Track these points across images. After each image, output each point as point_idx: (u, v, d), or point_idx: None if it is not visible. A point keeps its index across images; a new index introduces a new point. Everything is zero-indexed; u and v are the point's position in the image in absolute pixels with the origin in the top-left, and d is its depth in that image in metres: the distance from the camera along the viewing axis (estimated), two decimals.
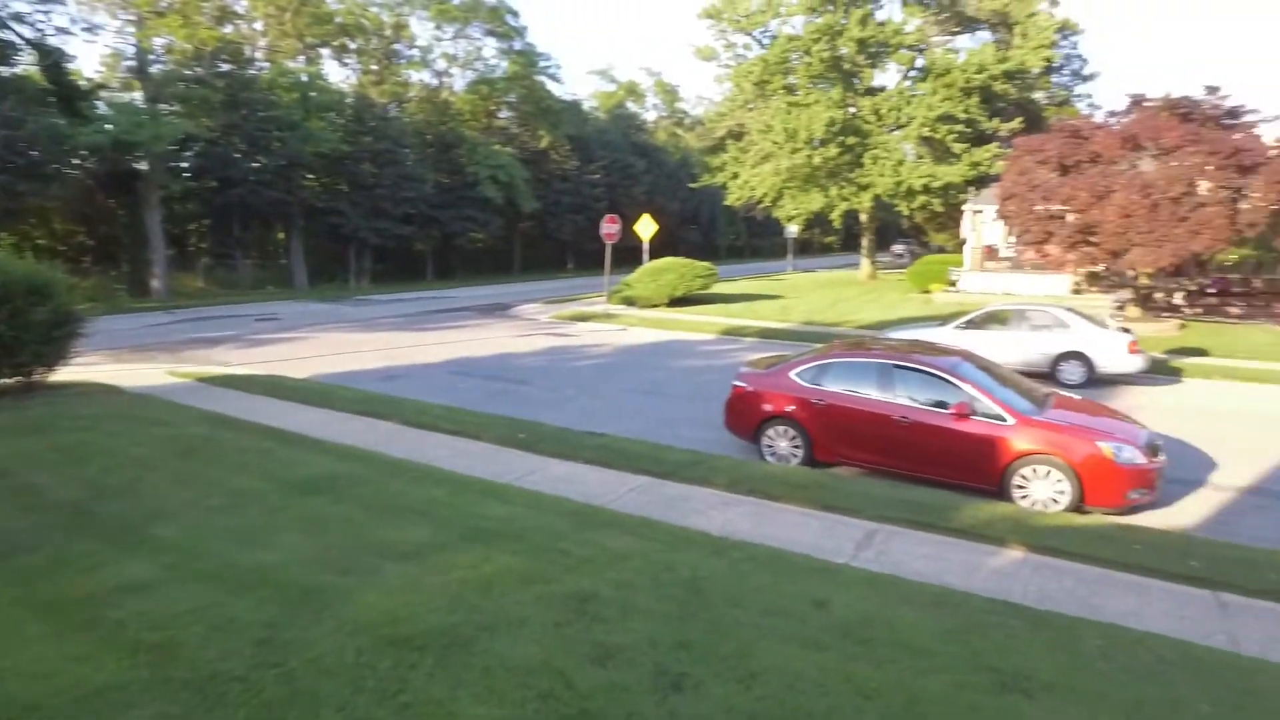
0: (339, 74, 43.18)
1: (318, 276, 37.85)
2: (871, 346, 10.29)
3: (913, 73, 35.22)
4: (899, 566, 6.26)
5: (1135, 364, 14.26)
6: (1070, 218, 21.22)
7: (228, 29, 36.99)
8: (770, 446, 9.63)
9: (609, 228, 25.53)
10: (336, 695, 4.14)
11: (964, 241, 32.79)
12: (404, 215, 39.62)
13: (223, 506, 7.02)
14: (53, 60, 27.73)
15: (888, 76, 37.19)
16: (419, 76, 45.70)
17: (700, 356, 17.93)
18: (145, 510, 6.89)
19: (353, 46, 42.42)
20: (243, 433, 9.73)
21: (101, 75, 34.44)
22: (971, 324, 15.55)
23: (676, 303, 26.15)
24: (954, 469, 8.48)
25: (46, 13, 27.23)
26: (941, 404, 8.52)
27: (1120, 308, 22.32)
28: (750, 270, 49.42)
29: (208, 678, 4.27)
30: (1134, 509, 7.99)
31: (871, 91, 35.08)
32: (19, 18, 26.70)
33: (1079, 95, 45.33)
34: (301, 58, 40.89)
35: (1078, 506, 7.83)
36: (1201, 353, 17.49)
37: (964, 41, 37.36)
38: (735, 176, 36.93)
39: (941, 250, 49.41)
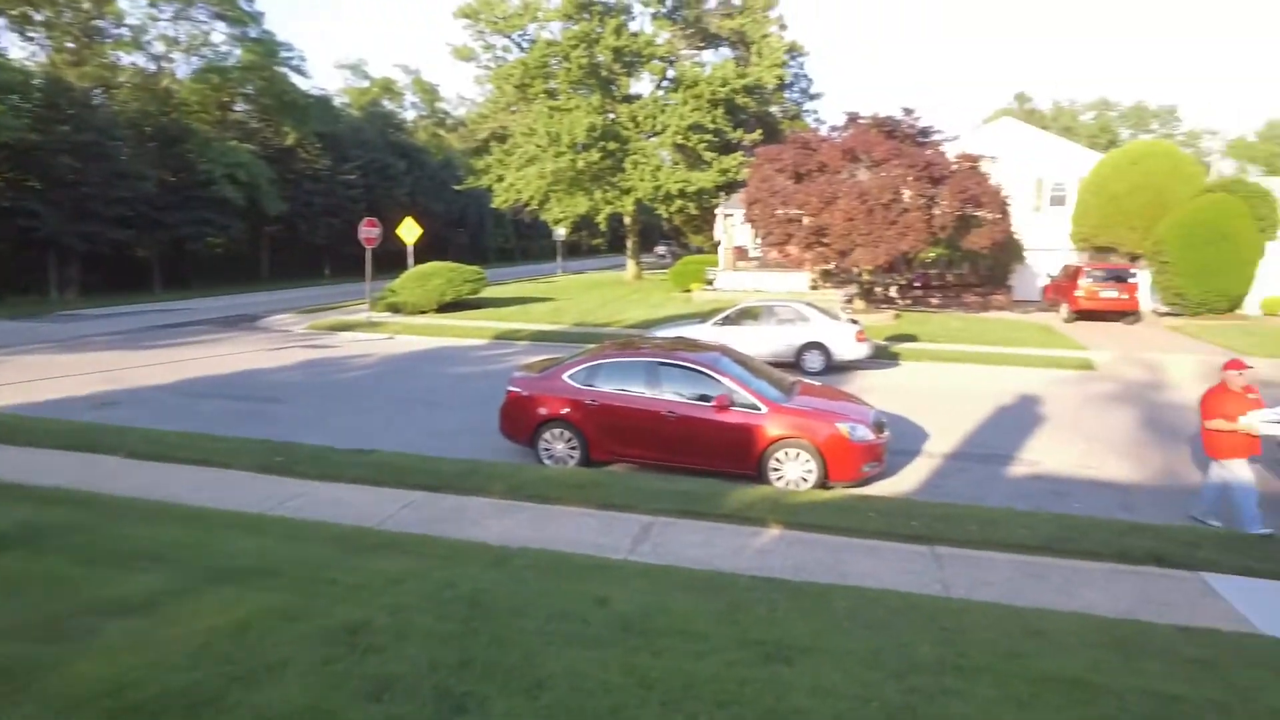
0: (22, 50, 36.53)
1: (5, 289, 31.79)
2: (640, 346, 10.68)
3: (665, 83, 37.24)
4: (674, 556, 6.57)
5: (863, 351, 16.19)
6: (806, 221, 23.65)
7: None
8: (548, 449, 9.67)
9: (368, 231, 24.14)
10: None
11: (718, 243, 35.24)
12: (119, 217, 34.31)
13: None
14: None
15: (644, 86, 38.98)
16: (131, 59, 39.97)
17: (473, 362, 17.57)
18: None
19: (39, 18, 36.04)
20: None
21: None
22: (728, 320, 16.74)
23: (446, 308, 25.41)
24: (718, 458, 9.07)
25: None
26: (705, 397, 9.06)
27: (849, 301, 25.23)
28: (521, 273, 49.39)
29: None
30: (868, 481, 9.07)
31: (629, 99, 36.56)
32: None
33: (808, 111, 50.57)
34: None
35: (823, 483, 8.72)
36: (912, 338, 20.27)
37: (709, 56, 40.21)
38: (501, 179, 36.68)
39: (700, 251, 52.70)
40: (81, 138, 33.03)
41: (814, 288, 27.75)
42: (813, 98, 50.89)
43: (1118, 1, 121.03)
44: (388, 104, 63.06)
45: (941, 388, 14.97)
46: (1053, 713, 4.18)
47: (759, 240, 28.43)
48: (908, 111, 24.46)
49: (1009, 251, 28.75)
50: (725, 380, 9.11)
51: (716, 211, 35.53)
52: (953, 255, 29.84)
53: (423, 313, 25.08)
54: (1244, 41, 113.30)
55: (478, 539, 6.79)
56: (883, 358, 17.72)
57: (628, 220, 39.52)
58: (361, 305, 26.25)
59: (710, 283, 30.76)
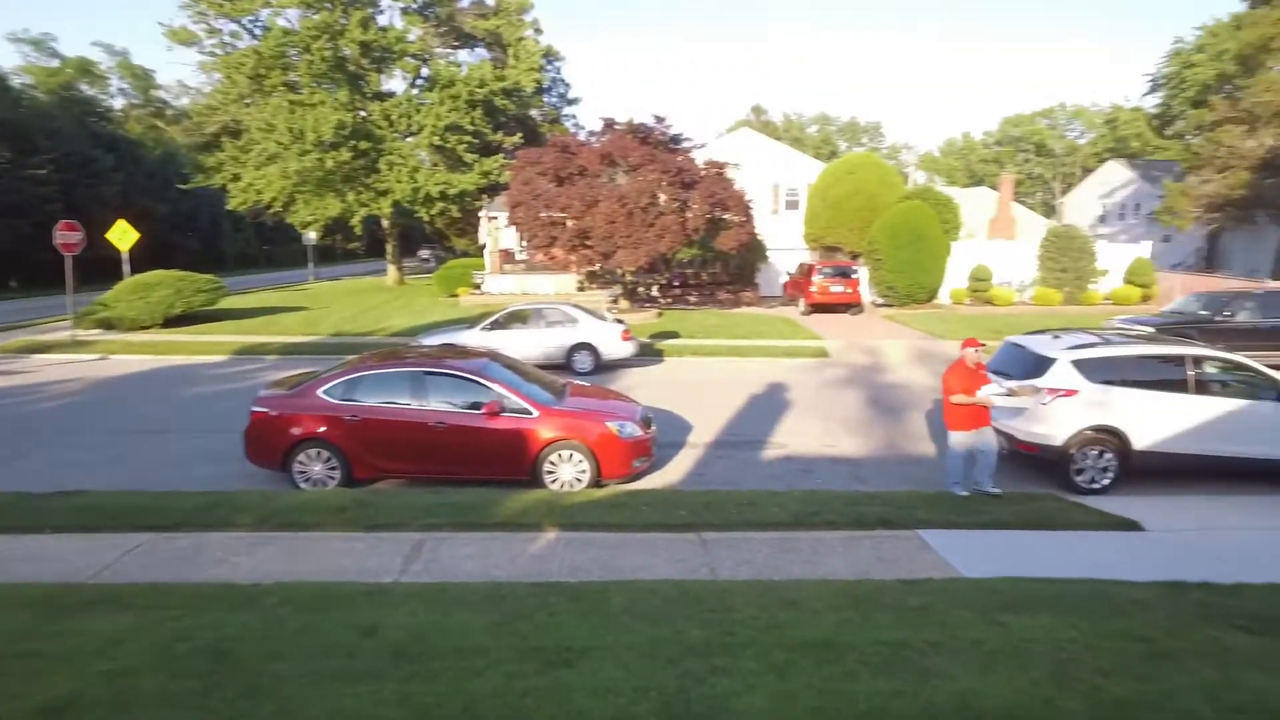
0: None
1: None
2: (404, 355, 10.19)
3: (420, 82, 35.92)
4: (449, 572, 6.34)
5: (628, 349, 16.78)
6: (569, 223, 24.03)
7: None
8: (304, 472, 8.90)
9: (66, 236, 20.60)
10: None
11: (484, 246, 34.71)
12: None
13: None
14: None
15: (397, 84, 37.33)
16: None
17: (211, 382, 15.70)
18: None
19: None
20: None
21: None
22: (496, 324, 16.53)
23: (174, 322, 22.48)
24: (492, 466, 8.91)
25: None
26: (475, 405, 8.85)
27: (615, 301, 26.05)
28: (267, 281, 45.10)
29: None
30: (639, 476, 9.40)
31: (381, 96, 34.77)
32: None
33: (567, 115, 51.54)
34: None
35: (597, 481, 8.89)
36: (674, 335, 21.39)
37: (465, 57, 39.44)
38: (237, 178, 33.21)
39: (466, 254, 51.67)
40: None
41: (581, 289, 28.30)
42: (571, 102, 52.02)
43: (831, 28, 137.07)
44: (87, 88, 54.37)
45: (701, 380, 15.93)
46: (806, 675, 4.59)
47: (525, 243, 28.43)
48: (659, 119, 25.73)
49: (754, 251, 31.34)
50: (495, 386, 8.96)
51: (480, 214, 34.98)
52: (706, 255, 31.93)
53: (144, 328, 21.99)
54: (930, 69, 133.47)
55: (222, 580, 6.07)
56: (648, 355, 18.48)
57: (386, 223, 37.61)
58: (64, 322, 22.44)
59: (478, 287, 30.22)
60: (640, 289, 29.93)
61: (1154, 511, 8.07)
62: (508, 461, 8.87)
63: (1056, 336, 9.90)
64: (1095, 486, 8.87)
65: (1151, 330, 15.14)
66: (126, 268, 23.29)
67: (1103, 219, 49.68)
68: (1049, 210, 70.27)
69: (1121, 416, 8.80)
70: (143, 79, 61.55)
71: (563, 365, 16.14)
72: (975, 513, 7.81)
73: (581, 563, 6.53)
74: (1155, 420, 8.85)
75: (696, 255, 32.01)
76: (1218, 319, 17.08)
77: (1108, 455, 8.89)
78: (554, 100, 50.37)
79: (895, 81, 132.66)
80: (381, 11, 34.43)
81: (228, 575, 6.18)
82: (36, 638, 5.02)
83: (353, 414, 8.84)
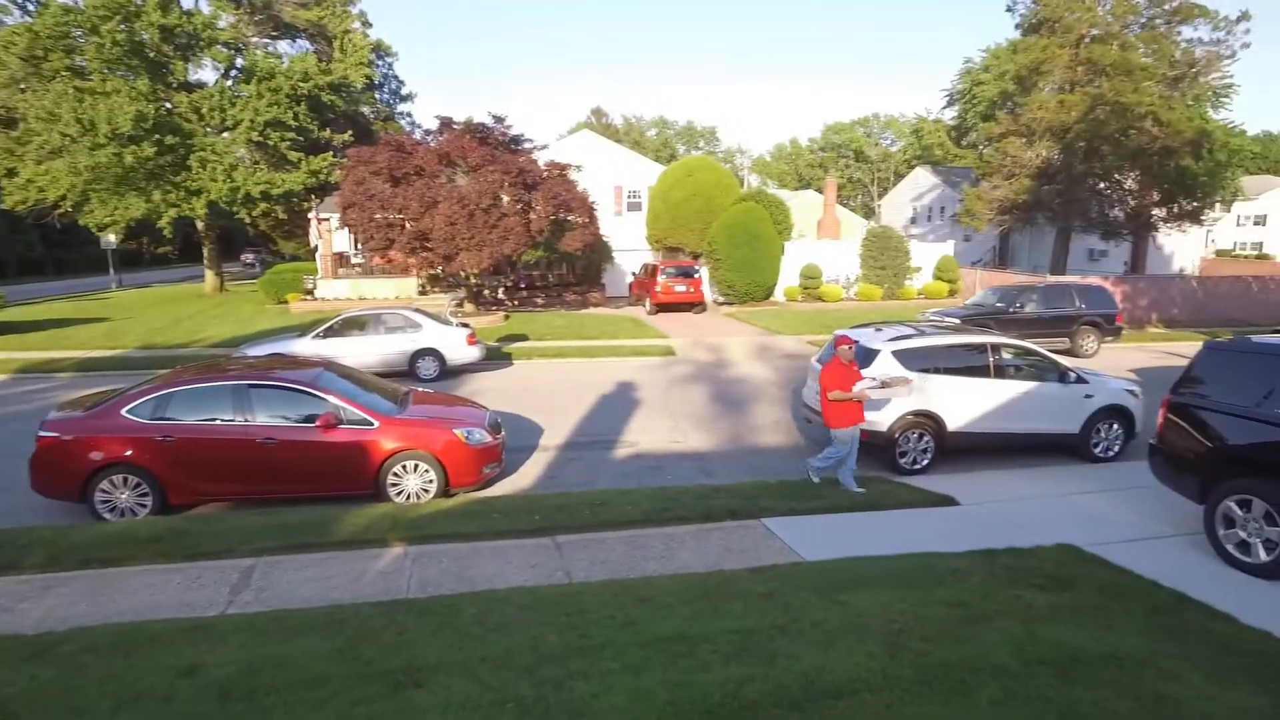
0: None
1: None
2: (226, 367, 9.36)
3: (235, 73, 33.18)
4: (283, 598, 5.89)
5: (475, 354, 16.36)
6: (408, 225, 23.11)
7: None
8: (107, 501, 7.98)
9: None
10: None
11: (315, 249, 32.68)
12: None
13: None
14: None
15: (209, 74, 34.30)
16: None
17: None
18: None
19: None
20: None
21: None
22: (331, 331, 15.60)
23: None
24: (329, 481, 8.38)
25: None
26: (308, 418, 8.29)
27: (459, 305, 25.35)
28: (60, 289, 40.14)
29: None
30: (489, 482, 9.19)
31: (189, 87, 31.79)
32: None
33: (401, 113, 49.65)
34: None
35: (445, 490, 8.59)
36: (523, 338, 21.12)
37: (285, 48, 36.89)
38: (13, 174, 29.18)
39: (295, 258, 48.43)
40: None
41: (424, 293, 27.31)
42: (405, 99, 50.15)
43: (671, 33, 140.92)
44: None
45: (551, 383, 15.82)
46: (662, 670, 4.65)
47: (360, 246, 27.02)
48: (498, 120, 25.28)
49: (599, 252, 31.59)
50: (330, 397, 8.44)
51: (310, 215, 32.89)
52: (551, 257, 31.79)
53: None
54: (762, 79, 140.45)
55: (5, 631, 5.29)
56: (496, 359, 18.13)
57: (201, 225, 34.44)
58: None
59: (310, 292, 28.38)
60: (486, 292, 29.32)
61: (966, 487, 8.90)
62: (347, 476, 8.37)
63: (879, 329, 10.67)
64: (917, 467, 9.65)
65: (957, 321, 16.73)
66: None
67: (914, 220, 54.33)
68: (868, 212, 76.03)
69: (937, 401, 9.63)
70: None
71: (406, 373, 15.50)
72: (814, 498, 8.25)
73: (432, 576, 6.27)
74: (965, 403, 9.75)
75: (542, 257, 31.80)
76: (1011, 310, 19.15)
77: (926, 438, 9.69)
78: (386, 97, 48.34)
79: (728, 87, 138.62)
80: None
81: (12, 625, 5.41)
82: None
83: (165, 434, 8.01)
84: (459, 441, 8.65)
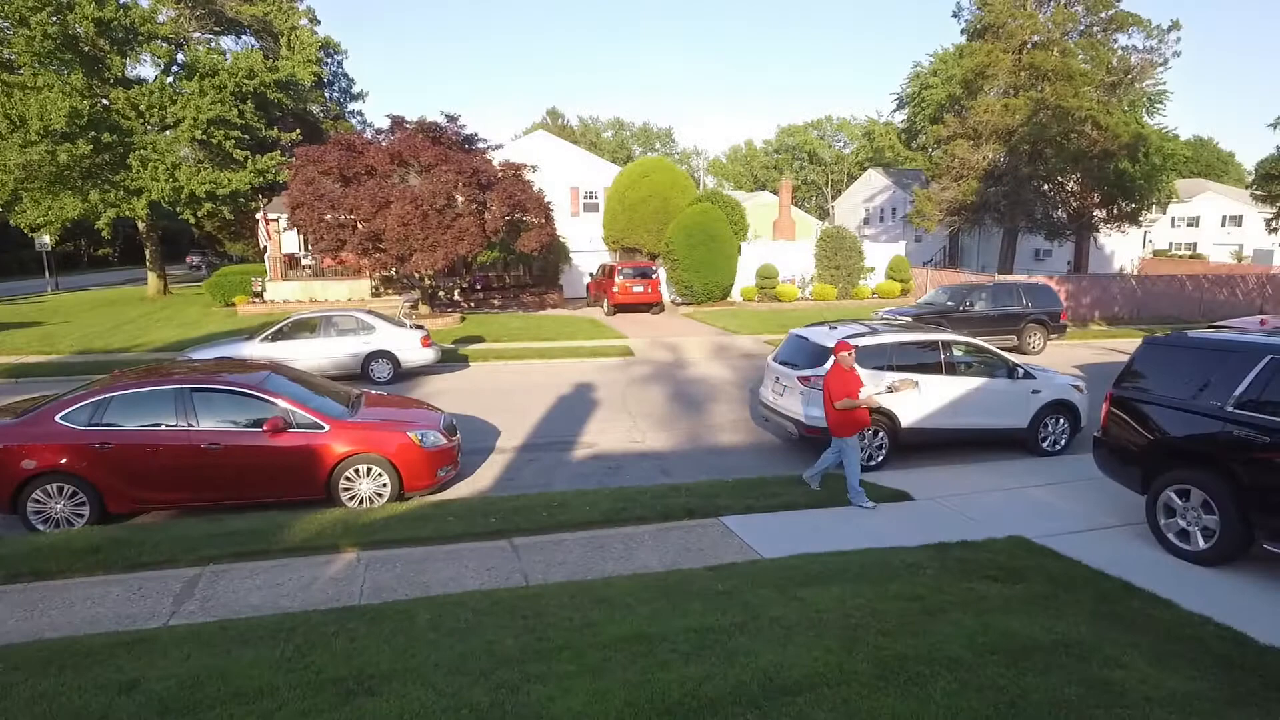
0: None
1: None
2: (169, 371, 9.04)
3: (176, 69, 32.17)
4: (229, 608, 5.69)
5: (429, 356, 16.12)
6: (359, 226, 22.66)
7: None
8: (41, 512, 7.64)
9: None
10: None
11: (264, 250, 31.87)
12: None
13: None
14: None
15: (148, 70, 33.21)
16: None
17: None
18: None
19: None
20: None
21: None
22: (280, 334, 15.21)
23: None
24: (278, 487, 8.15)
25: None
26: (256, 423, 8.05)
27: (414, 306, 24.95)
28: None
29: None
30: (445, 485, 9.04)
31: (127, 83, 30.72)
32: None
33: (352, 112, 48.79)
34: None
35: (400, 494, 8.42)
36: (479, 339, 20.88)
37: (229, 44, 35.96)
38: None
39: (243, 260, 47.23)
40: None
41: (377, 294, 26.83)
42: (356, 98, 49.31)
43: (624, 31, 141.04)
44: None
45: (508, 384, 15.67)
46: (621, 671, 4.60)
47: (310, 247, 26.40)
48: (451, 119, 24.94)
49: (556, 253, 31.41)
50: (279, 401, 8.21)
51: (258, 216, 32.06)
52: (508, 258, 31.52)
53: None
54: (717, 79, 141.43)
55: None
56: (452, 360, 17.89)
57: (143, 226, 33.31)
58: None
59: (259, 294, 27.64)
60: (441, 293, 28.92)
61: (919, 482, 9.04)
62: (297, 480, 8.15)
63: (833, 327, 10.79)
64: (872, 464, 9.76)
65: (910, 319, 17.03)
66: None
67: (866, 221, 55.23)
68: (823, 213, 77.05)
69: (891, 398, 9.76)
70: None
71: (359, 376, 15.20)
72: (771, 496, 8.30)
73: (385, 582, 6.13)
74: (918, 400, 9.91)
75: (498, 258, 31.51)
76: (961, 309, 19.58)
77: (881, 434, 9.83)
78: (337, 95, 47.48)
79: (684, 89, 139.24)
80: None
81: None
82: None
83: (103, 440, 7.70)
84: (413, 444, 8.49)
